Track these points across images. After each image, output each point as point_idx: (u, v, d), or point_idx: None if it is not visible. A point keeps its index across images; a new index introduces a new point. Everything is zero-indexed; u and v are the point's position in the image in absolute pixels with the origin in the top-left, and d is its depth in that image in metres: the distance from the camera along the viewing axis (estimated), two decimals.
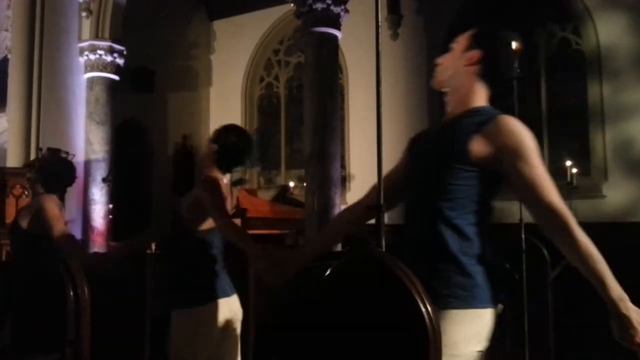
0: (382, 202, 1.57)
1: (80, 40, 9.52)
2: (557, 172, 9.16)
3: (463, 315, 1.47)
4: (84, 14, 9.40)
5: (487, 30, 1.74)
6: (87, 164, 9.39)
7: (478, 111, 1.61)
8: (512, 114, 1.67)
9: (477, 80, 1.66)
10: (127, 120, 11.27)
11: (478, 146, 1.52)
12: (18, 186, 7.67)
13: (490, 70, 1.65)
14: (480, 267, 1.53)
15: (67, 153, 8.15)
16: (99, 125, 9.44)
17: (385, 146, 1.78)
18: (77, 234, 9.13)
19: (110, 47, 9.51)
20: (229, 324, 2.50)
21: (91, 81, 9.51)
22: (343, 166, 9.28)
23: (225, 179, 2.68)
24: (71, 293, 1.40)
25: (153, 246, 6.17)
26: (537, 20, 10.08)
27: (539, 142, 1.64)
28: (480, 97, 1.66)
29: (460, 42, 1.72)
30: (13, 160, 8.83)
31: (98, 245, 9.10)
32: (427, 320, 1.25)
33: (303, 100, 7.81)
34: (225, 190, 2.63)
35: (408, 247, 1.61)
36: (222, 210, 2.48)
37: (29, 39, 9.20)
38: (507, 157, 1.50)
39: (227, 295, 2.56)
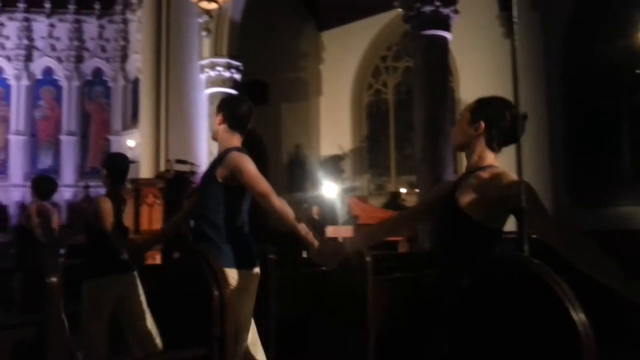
0: (524, 205, 1.61)
1: (201, 58, 10.23)
2: None
3: None
4: (204, 33, 10.05)
5: (225, 100, 2.83)
6: None
7: (226, 151, 2.61)
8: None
9: (226, 132, 2.67)
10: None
11: (220, 171, 2.54)
12: (151, 195, 8.35)
13: (231, 123, 2.65)
14: (228, 244, 2.50)
15: (192, 164, 8.79)
16: None
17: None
18: None
19: (228, 63, 10.11)
20: None
21: (212, 96, 10.16)
22: (455, 170, 9.05)
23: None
24: (215, 292, 1.52)
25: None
26: None
27: None
28: (232, 142, 2.65)
29: (217, 117, 2.71)
30: (145, 171, 9.66)
31: None
32: (580, 328, 1.25)
33: (413, 105, 7.74)
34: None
35: (193, 234, 2.60)
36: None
37: (156, 60, 10.06)
38: (236, 173, 2.51)
39: None
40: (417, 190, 7.59)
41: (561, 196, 9.34)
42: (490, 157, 1.89)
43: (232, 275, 2.42)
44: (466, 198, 1.77)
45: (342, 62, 13.34)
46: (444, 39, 7.30)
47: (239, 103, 2.75)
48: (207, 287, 1.53)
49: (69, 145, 12.74)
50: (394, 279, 3.62)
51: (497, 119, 1.86)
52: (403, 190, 11.85)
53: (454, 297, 1.72)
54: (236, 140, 2.66)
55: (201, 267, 1.55)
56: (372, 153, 13.49)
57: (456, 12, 7.40)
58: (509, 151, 1.90)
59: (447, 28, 7.29)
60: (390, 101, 13.23)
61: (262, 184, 2.51)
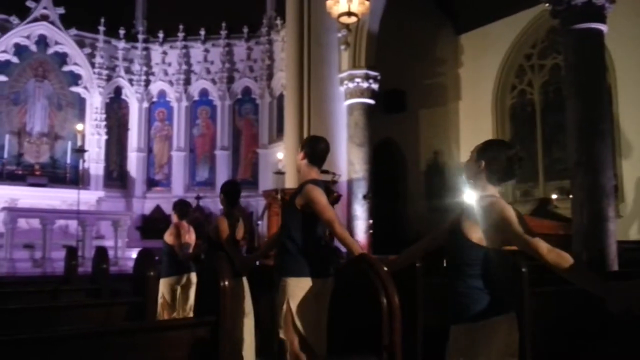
0: None
1: (340, 71, 10.53)
2: None
3: (297, 280, 3.01)
4: (342, 47, 10.36)
5: (307, 139, 3.50)
6: (350, 183, 10.24)
7: (304, 182, 3.16)
8: None
9: (307, 166, 3.23)
10: (383, 140, 11.96)
11: (299, 200, 3.10)
12: None
13: (311, 159, 3.22)
14: (303, 256, 3.05)
15: (333, 174, 9.06)
16: (358, 147, 10.25)
17: None
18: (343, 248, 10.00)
19: (366, 74, 10.28)
20: None
21: (350, 107, 10.40)
22: (615, 174, 8.24)
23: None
24: (384, 301, 1.55)
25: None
26: None
27: None
28: (310, 175, 3.21)
29: (300, 153, 3.30)
30: (290, 182, 10.15)
31: None
32: None
33: (563, 104, 7.22)
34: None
35: (278, 248, 3.32)
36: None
37: (299, 76, 10.55)
38: (310, 203, 3.06)
39: None
40: (571, 196, 7.04)
41: None
42: (490, 189, 2.30)
43: (306, 281, 3.00)
44: (467, 222, 2.24)
45: (482, 65, 12.88)
46: (599, 32, 6.72)
47: (318, 142, 3.28)
48: (376, 296, 1.58)
49: (222, 159, 13.82)
50: (551, 292, 3.42)
51: (494, 160, 2.27)
52: (554, 196, 11.08)
53: None
54: (314, 173, 3.22)
55: (370, 277, 1.60)
56: None
57: (612, 1, 6.79)
58: None
59: (602, 20, 6.71)
60: (537, 102, 12.46)
61: (329, 212, 3.06)
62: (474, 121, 13.08)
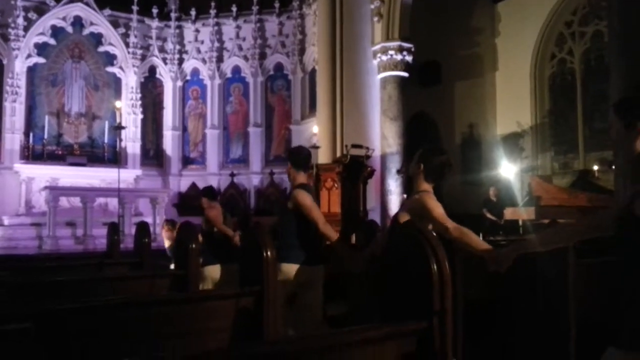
0: None
1: (373, 44, 10.35)
2: None
3: (287, 266, 3.50)
4: (375, 18, 10.18)
5: (290, 150, 4.16)
6: (383, 157, 10.17)
7: (293, 187, 3.70)
8: None
9: (293, 172, 3.74)
10: (417, 113, 11.78)
11: (289, 203, 3.63)
12: (329, 179, 8.76)
13: (296, 166, 3.73)
14: (293, 248, 3.55)
15: (367, 148, 9.01)
16: (392, 121, 10.13)
17: None
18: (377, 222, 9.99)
19: (400, 46, 10.08)
20: None
21: (384, 80, 10.24)
22: None
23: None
24: (434, 267, 1.56)
25: None
26: None
27: None
28: (297, 180, 3.70)
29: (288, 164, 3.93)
30: (323, 157, 10.14)
31: None
32: None
33: (605, 72, 6.97)
34: None
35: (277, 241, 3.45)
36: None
37: (331, 50, 10.44)
38: (299, 207, 3.56)
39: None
40: (613, 167, 6.82)
41: None
42: (424, 186, 2.91)
43: (294, 269, 3.48)
44: (403, 210, 2.95)
45: (520, 33, 12.49)
46: None
47: (300, 150, 3.89)
48: (426, 262, 1.57)
49: (255, 136, 13.87)
50: (597, 263, 3.34)
51: (430, 164, 2.90)
52: (595, 167, 10.78)
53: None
54: (301, 177, 3.73)
55: (421, 243, 1.60)
56: (556, 129, 12.48)
57: None
58: None
59: None
60: (577, 70, 12.06)
61: (314, 213, 3.56)
62: (512, 92, 12.76)
